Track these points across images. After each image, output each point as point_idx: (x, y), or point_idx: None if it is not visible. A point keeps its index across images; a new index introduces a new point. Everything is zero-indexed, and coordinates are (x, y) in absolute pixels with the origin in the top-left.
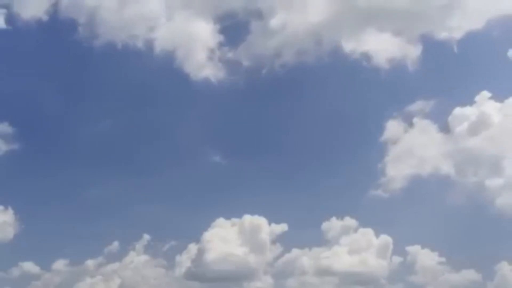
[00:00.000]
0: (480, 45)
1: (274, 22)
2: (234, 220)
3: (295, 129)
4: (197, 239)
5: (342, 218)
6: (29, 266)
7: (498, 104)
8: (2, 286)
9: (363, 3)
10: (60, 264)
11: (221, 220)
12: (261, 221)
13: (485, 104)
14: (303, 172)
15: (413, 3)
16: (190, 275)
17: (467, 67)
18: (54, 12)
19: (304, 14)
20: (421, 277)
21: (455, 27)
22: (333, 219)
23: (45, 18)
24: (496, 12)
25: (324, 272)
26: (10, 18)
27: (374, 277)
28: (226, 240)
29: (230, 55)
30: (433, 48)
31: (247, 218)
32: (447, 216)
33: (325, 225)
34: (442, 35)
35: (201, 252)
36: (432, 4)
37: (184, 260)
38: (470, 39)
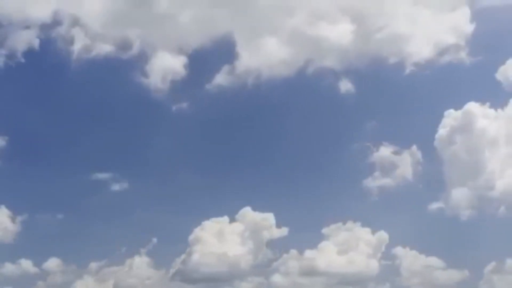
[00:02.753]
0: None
1: (242, 59)
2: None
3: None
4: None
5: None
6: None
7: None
8: (5, 285)
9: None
10: (63, 266)
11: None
12: (259, 220)
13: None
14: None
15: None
16: (181, 276)
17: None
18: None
19: (268, 50)
20: (409, 277)
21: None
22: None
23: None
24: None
25: (316, 272)
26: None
27: (364, 278)
28: (222, 239)
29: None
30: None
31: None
32: (435, 219)
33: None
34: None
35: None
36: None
37: (181, 262)
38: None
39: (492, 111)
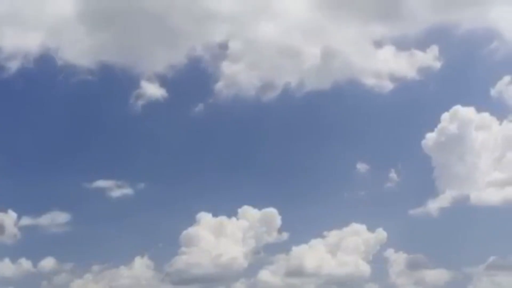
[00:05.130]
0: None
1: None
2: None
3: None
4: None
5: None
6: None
7: None
8: (8, 285)
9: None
10: (66, 268)
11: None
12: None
13: None
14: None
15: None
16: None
17: None
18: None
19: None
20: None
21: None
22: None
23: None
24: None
25: (308, 273)
26: None
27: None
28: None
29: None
30: None
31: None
32: (422, 223)
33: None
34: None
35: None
36: None
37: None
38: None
39: None
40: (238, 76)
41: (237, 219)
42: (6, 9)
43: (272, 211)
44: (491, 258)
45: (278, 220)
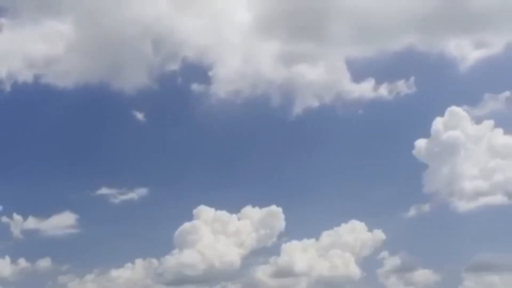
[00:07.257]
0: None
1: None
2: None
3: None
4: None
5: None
6: None
7: None
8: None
9: None
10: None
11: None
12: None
13: None
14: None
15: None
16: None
17: None
18: None
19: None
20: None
21: None
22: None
23: None
24: None
25: (299, 273)
26: None
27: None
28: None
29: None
30: None
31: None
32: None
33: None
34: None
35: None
36: None
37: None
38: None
39: None
40: (220, 95)
41: (238, 219)
42: None
43: (274, 210)
44: (481, 259)
45: (279, 222)
